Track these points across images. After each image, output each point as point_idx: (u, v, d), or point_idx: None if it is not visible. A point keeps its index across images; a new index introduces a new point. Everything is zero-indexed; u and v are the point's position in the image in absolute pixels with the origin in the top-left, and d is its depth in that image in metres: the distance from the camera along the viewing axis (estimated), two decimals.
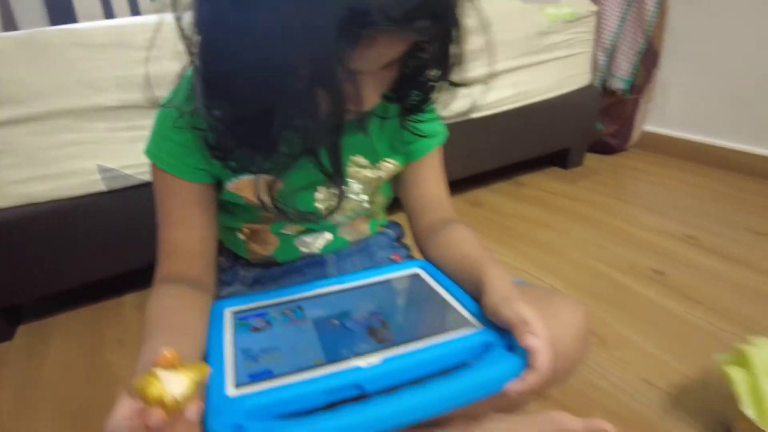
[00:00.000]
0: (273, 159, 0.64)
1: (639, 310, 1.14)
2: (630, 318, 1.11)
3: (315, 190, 0.76)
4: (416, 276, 0.80)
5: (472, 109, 1.51)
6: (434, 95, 0.73)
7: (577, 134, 1.95)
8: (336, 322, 0.68)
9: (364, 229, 0.85)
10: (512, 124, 1.68)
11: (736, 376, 0.77)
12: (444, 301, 0.73)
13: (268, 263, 0.82)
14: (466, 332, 0.65)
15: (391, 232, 0.92)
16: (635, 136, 2.17)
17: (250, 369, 0.58)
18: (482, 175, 1.86)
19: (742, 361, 0.78)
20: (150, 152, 0.69)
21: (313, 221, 0.77)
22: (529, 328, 0.59)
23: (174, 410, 0.41)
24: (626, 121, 2.10)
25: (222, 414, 0.51)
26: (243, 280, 0.83)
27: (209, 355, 0.62)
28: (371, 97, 0.65)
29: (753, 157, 1.88)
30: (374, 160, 0.79)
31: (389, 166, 0.80)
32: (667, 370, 0.95)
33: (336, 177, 0.64)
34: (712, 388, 0.90)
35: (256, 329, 0.67)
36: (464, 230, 0.83)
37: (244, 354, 0.61)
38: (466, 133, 1.54)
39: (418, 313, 0.72)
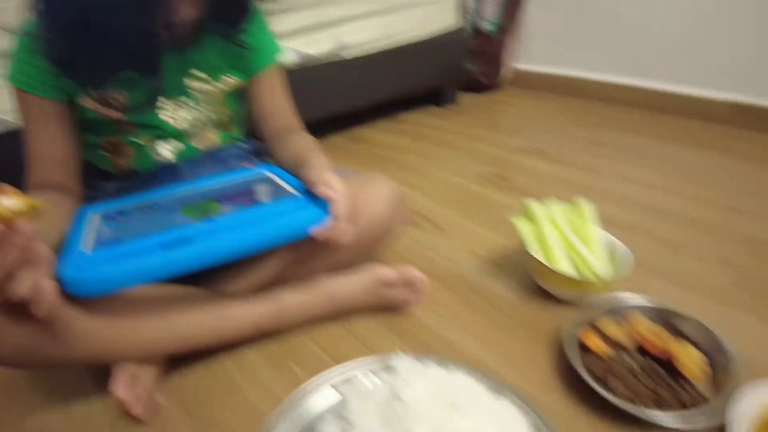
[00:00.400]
0: (101, 68, 0.76)
1: (479, 206, 1.32)
2: (470, 212, 1.28)
3: (157, 100, 0.84)
4: (264, 176, 0.91)
5: (340, 49, 1.62)
6: (251, 7, 0.85)
7: (449, 74, 2.11)
8: (183, 206, 0.80)
9: (214, 138, 0.94)
10: (384, 64, 1.80)
11: (524, 227, 0.93)
12: (281, 187, 0.85)
13: (129, 174, 0.89)
14: (284, 198, 0.78)
15: (245, 146, 1.02)
16: (505, 74, 2.37)
17: (103, 239, 0.70)
18: (365, 114, 1.98)
19: (531, 216, 0.95)
20: (12, 78, 0.77)
21: (161, 131, 0.86)
22: (327, 184, 0.73)
23: (8, 220, 0.49)
24: (494, 60, 2.29)
25: (74, 261, 0.63)
26: (108, 192, 0.90)
27: (70, 231, 0.73)
28: (185, 9, 0.76)
29: (603, 85, 2.12)
30: (215, 75, 0.88)
31: (230, 81, 0.90)
32: (492, 244, 1.12)
33: (154, 80, 0.78)
34: (525, 254, 1.06)
35: (113, 220, 0.77)
36: (304, 137, 0.97)
37: (99, 233, 0.72)
38: (340, 71, 1.65)
39: (256, 197, 0.83)
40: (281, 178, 0.89)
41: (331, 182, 0.75)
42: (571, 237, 0.91)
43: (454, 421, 0.62)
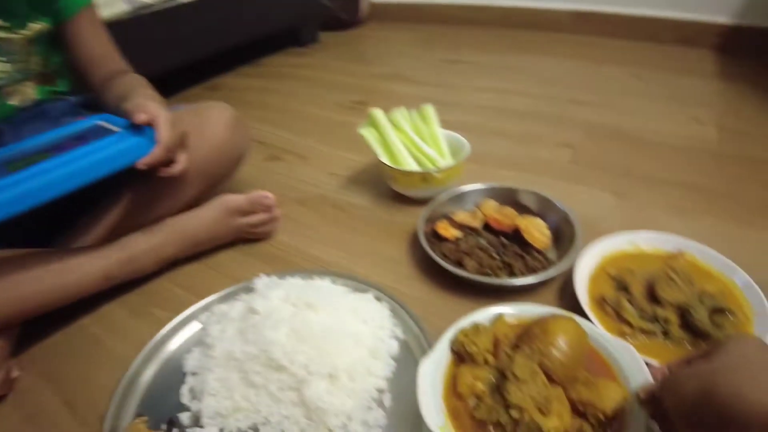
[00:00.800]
0: None
1: (339, 132, 1.32)
2: (330, 138, 1.28)
3: None
4: (95, 125, 0.84)
5: None
6: None
7: (306, 12, 2.05)
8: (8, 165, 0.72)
9: (30, 93, 0.84)
10: (233, 6, 1.71)
11: (369, 134, 0.95)
12: (110, 130, 0.79)
13: None
14: (108, 137, 0.72)
15: (73, 99, 0.93)
16: (364, 9, 2.35)
17: None
18: (226, 62, 1.89)
19: (375, 124, 0.96)
20: None
21: None
22: (143, 109, 0.68)
23: None
24: None
25: None
26: None
27: None
28: None
29: (457, 8, 2.18)
30: (18, 23, 0.78)
31: (36, 26, 0.80)
32: (351, 163, 1.14)
33: None
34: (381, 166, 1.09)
35: None
36: (130, 75, 0.89)
37: None
38: (179, 17, 1.54)
39: (86, 142, 0.77)
40: (113, 124, 0.82)
41: (148, 108, 0.70)
42: (414, 138, 0.94)
43: (309, 318, 0.63)
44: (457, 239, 0.83)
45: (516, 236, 0.81)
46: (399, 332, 0.68)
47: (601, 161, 1.06)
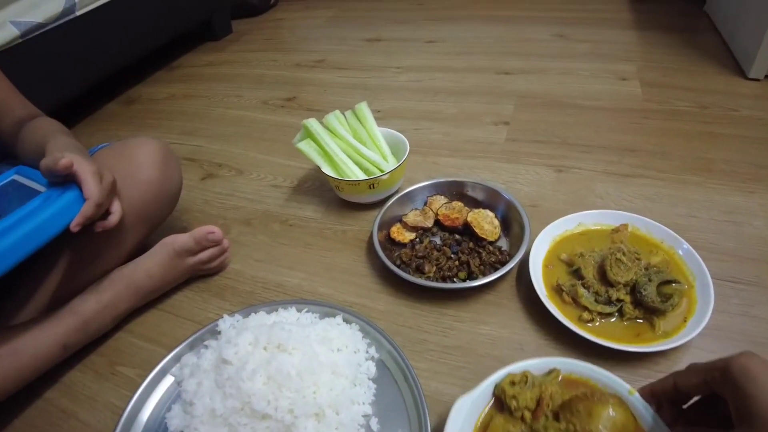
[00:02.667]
0: None
1: (271, 135, 1.27)
2: (263, 145, 1.23)
3: None
4: (11, 181, 0.76)
5: (70, 6, 1.37)
6: None
7: (213, 3, 1.93)
8: None
9: None
10: (133, 10, 1.57)
11: (306, 147, 0.92)
12: (31, 189, 0.72)
13: None
14: (30, 200, 0.65)
15: None
16: None
17: None
18: (136, 71, 1.77)
19: (311, 134, 0.93)
20: None
21: None
22: (61, 158, 0.61)
23: None
24: None
25: None
26: None
27: None
28: None
29: None
30: None
31: None
32: (292, 171, 1.10)
33: None
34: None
35: None
36: (41, 120, 0.81)
37: None
38: (80, 31, 1.41)
39: (9, 207, 0.69)
40: (31, 179, 0.75)
41: (67, 155, 0.63)
42: (354, 143, 0.92)
43: (283, 361, 0.61)
44: (413, 242, 0.83)
45: (468, 230, 0.82)
46: (373, 352, 0.68)
47: (537, 135, 1.08)
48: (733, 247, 0.76)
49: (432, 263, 0.78)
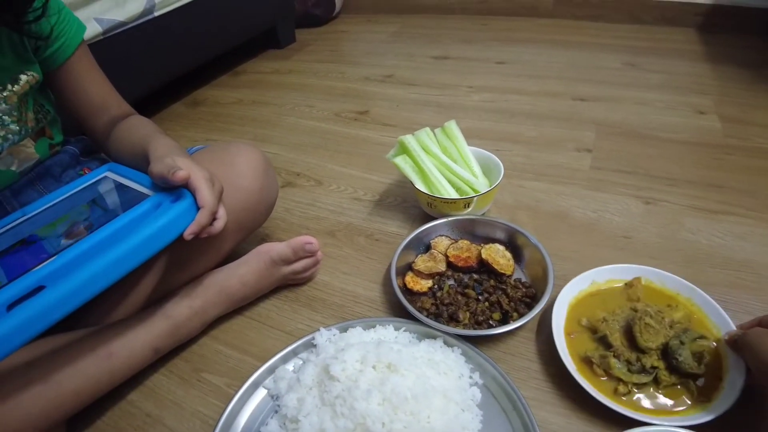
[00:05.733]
0: None
1: (347, 147, 1.28)
2: (340, 156, 1.24)
3: None
4: (105, 179, 0.77)
5: (150, 7, 1.41)
6: None
7: (279, 12, 1.97)
8: (25, 242, 0.64)
9: (30, 153, 0.76)
10: (206, 14, 1.62)
11: (402, 162, 0.92)
12: (129, 188, 0.72)
13: None
14: (139, 204, 0.66)
15: (72, 148, 0.85)
16: (338, 3, 2.27)
17: None
18: (202, 74, 1.80)
19: (405, 150, 0.94)
20: None
21: None
22: (178, 169, 0.61)
23: None
24: None
25: None
26: None
27: None
28: None
29: None
30: (7, 79, 0.70)
31: (25, 78, 0.72)
32: (372, 185, 1.11)
33: None
34: (407, 187, 1.07)
35: None
36: (135, 119, 0.82)
37: None
38: (156, 32, 1.45)
39: (109, 208, 0.70)
40: (126, 177, 0.76)
41: (181, 165, 0.62)
42: (445, 160, 0.93)
43: (396, 383, 0.61)
44: (431, 289, 0.81)
45: (482, 268, 0.82)
46: (477, 377, 0.67)
47: (620, 164, 1.07)
48: None
49: (463, 309, 0.76)
